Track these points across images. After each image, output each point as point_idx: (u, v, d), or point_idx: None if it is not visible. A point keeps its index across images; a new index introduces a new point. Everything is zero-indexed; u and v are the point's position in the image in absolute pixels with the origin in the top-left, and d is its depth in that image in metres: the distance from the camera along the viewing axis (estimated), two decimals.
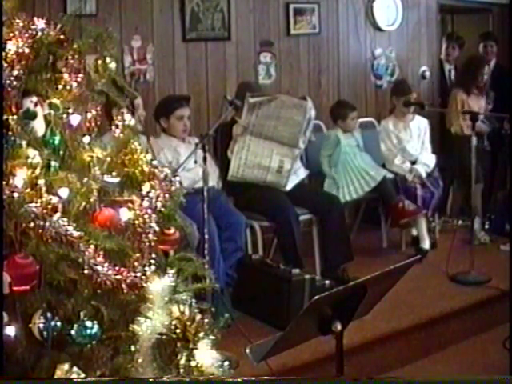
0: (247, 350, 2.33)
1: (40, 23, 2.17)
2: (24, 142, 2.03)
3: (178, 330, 2.10)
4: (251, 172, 4.68)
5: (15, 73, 2.07)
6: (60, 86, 2.17)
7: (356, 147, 5.37)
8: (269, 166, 4.68)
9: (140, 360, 2.04)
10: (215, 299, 3.99)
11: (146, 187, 2.24)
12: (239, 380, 2.13)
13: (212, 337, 2.14)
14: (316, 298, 2.12)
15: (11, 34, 2.11)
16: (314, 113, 4.78)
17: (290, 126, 4.69)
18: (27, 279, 1.94)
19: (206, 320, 2.16)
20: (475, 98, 5.78)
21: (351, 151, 5.30)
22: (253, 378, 2.50)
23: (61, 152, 2.14)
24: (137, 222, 2.15)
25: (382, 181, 5.21)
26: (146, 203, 2.18)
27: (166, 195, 2.25)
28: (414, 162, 5.50)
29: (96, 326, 2.00)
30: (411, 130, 5.56)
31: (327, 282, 4.21)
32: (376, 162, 5.46)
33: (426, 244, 5.36)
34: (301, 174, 5.01)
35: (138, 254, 2.12)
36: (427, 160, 5.54)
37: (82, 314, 2.00)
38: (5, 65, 2.07)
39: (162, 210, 2.23)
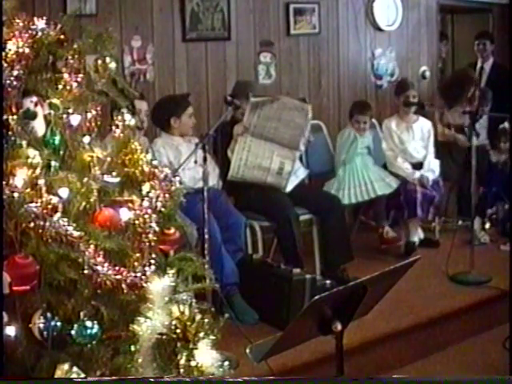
0: (247, 350, 2.33)
1: (40, 23, 2.17)
2: (24, 142, 2.04)
3: (178, 330, 2.10)
4: (251, 173, 4.68)
5: (15, 73, 2.07)
6: (60, 86, 2.18)
7: (366, 149, 5.38)
8: (269, 167, 4.68)
9: (140, 360, 2.04)
10: (232, 302, 4.05)
11: (146, 187, 2.24)
12: (239, 380, 2.12)
13: (212, 337, 2.14)
14: (316, 298, 2.12)
15: (11, 34, 2.11)
16: (311, 114, 4.81)
17: (291, 129, 4.70)
18: (27, 279, 1.94)
19: (206, 320, 2.15)
20: (456, 113, 5.84)
21: (361, 152, 5.32)
22: (253, 378, 2.50)
23: (61, 152, 2.14)
24: (137, 222, 2.15)
25: (377, 198, 5.25)
26: (145, 203, 2.18)
27: (166, 195, 2.25)
28: (415, 165, 5.50)
29: (96, 326, 2.00)
30: (414, 132, 5.56)
31: (328, 281, 4.21)
32: (376, 162, 5.47)
33: (414, 238, 5.38)
34: (300, 174, 5.01)
35: (137, 254, 2.12)
36: (433, 166, 5.55)
37: (81, 314, 2.00)
38: (5, 65, 2.07)
39: (162, 210, 2.24)
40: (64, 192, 2.03)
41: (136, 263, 2.10)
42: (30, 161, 2.00)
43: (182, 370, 2.09)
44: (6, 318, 1.92)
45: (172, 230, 2.29)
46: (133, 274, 2.05)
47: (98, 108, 2.27)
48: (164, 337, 2.09)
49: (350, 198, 5.21)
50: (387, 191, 5.27)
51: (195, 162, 3.98)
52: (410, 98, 5.52)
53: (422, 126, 5.63)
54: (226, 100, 4.27)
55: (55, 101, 2.15)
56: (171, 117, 4.53)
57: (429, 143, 5.62)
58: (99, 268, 1.99)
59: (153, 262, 2.15)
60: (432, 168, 5.52)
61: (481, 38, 6.90)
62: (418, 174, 5.41)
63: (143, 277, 2.07)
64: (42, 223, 1.94)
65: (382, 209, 5.35)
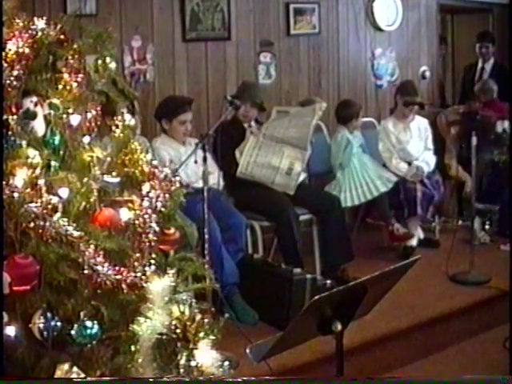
0: (247, 350, 2.33)
1: (40, 23, 2.17)
2: (24, 142, 2.04)
3: (178, 330, 2.10)
4: (260, 171, 4.71)
5: (15, 73, 2.07)
6: (60, 86, 2.17)
7: (360, 147, 5.39)
8: (279, 166, 4.71)
9: (140, 360, 2.04)
10: (233, 302, 4.05)
11: (146, 187, 2.24)
12: (239, 380, 2.13)
13: (212, 337, 2.14)
14: (316, 297, 2.12)
15: (11, 34, 2.11)
16: (321, 113, 4.83)
17: (299, 127, 4.75)
18: (27, 279, 1.94)
19: (205, 320, 2.15)
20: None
21: (357, 152, 5.32)
22: (253, 378, 2.50)
23: (61, 152, 2.14)
24: (137, 222, 2.15)
25: (380, 196, 5.25)
26: (145, 203, 2.18)
27: (166, 195, 2.25)
28: (412, 163, 5.50)
29: (96, 326, 2.00)
30: (411, 131, 5.56)
31: (328, 281, 4.21)
32: (377, 159, 5.47)
33: (413, 241, 5.38)
34: (300, 176, 5.01)
35: (137, 254, 2.12)
36: (428, 159, 5.55)
37: (82, 313, 2.00)
38: (5, 65, 2.07)
39: (162, 210, 2.24)
40: (64, 192, 2.03)
41: (136, 263, 2.10)
42: (29, 161, 2.00)
43: (182, 370, 2.09)
44: (6, 317, 1.92)
45: (172, 230, 2.29)
46: (133, 274, 2.05)
47: (98, 108, 2.26)
48: (164, 337, 2.09)
49: (352, 201, 5.21)
50: (388, 187, 5.27)
51: (195, 162, 3.98)
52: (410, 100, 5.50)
53: (419, 124, 5.63)
54: (227, 99, 4.27)
55: (55, 101, 2.15)
56: (162, 118, 4.55)
57: (427, 141, 5.62)
58: (99, 268, 1.99)
59: (153, 262, 2.15)
60: (427, 160, 5.52)
61: (483, 40, 6.89)
62: (414, 168, 5.41)
63: (143, 277, 2.07)
64: (42, 223, 1.94)
65: (387, 206, 5.35)
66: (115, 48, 2.34)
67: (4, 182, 1.95)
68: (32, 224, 1.94)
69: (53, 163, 2.07)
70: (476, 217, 5.51)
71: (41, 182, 1.98)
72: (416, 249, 5.32)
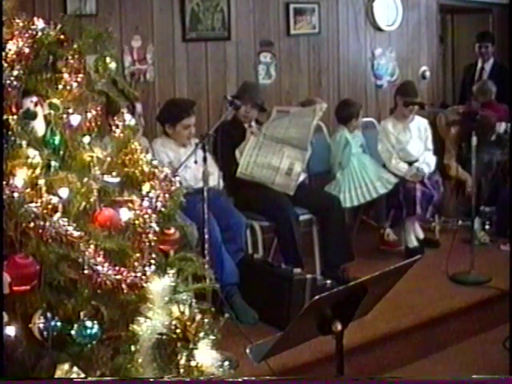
0: (247, 350, 2.33)
1: (40, 23, 2.17)
2: (24, 142, 2.03)
3: (178, 330, 2.10)
4: (260, 171, 4.71)
5: (15, 73, 2.07)
6: (60, 86, 2.17)
7: (360, 147, 5.39)
8: (278, 166, 4.72)
9: (140, 360, 2.04)
10: (233, 302, 4.05)
11: (146, 187, 2.24)
12: (239, 380, 2.13)
13: (212, 337, 2.14)
14: (316, 297, 2.12)
15: (11, 34, 2.11)
16: (321, 114, 4.83)
17: (300, 127, 4.75)
18: (27, 279, 1.94)
19: (206, 320, 2.15)
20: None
21: (357, 152, 5.32)
22: (253, 378, 2.50)
23: (61, 152, 2.14)
24: (137, 222, 2.15)
25: (378, 197, 5.26)
26: (145, 203, 2.18)
27: (166, 195, 2.25)
28: (412, 163, 5.50)
29: (96, 326, 2.00)
30: (411, 131, 5.55)
31: (328, 281, 4.21)
32: (377, 159, 5.47)
33: (412, 243, 5.37)
34: (300, 176, 5.01)
35: (138, 254, 2.12)
36: (429, 160, 5.54)
37: (82, 314, 2.00)
38: (5, 65, 2.07)
39: (162, 210, 2.23)
40: (64, 192, 2.03)
41: (136, 263, 2.10)
42: (30, 161, 2.00)
43: (182, 370, 2.09)
44: (6, 318, 1.92)
45: (172, 230, 2.29)
46: (133, 274, 2.05)
47: (98, 108, 2.26)
48: (164, 337, 2.09)
49: (351, 201, 5.21)
50: (387, 189, 5.27)
51: (195, 162, 3.99)
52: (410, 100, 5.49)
53: (419, 124, 5.62)
54: (227, 99, 4.27)
55: (55, 101, 2.15)
56: (166, 123, 4.54)
57: (427, 141, 5.62)
58: (99, 268, 1.99)
59: (153, 261, 2.14)
60: (427, 161, 5.51)
61: (483, 40, 6.89)
62: (414, 169, 5.41)
63: (143, 277, 2.07)
64: (42, 223, 1.94)
65: (383, 208, 5.36)
66: (115, 48, 2.34)
67: (4, 182, 1.94)
68: (32, 224, 1.94)
69: (53, 163, 2.07)
70: (476, 217, 5.51)
71: (41, 182, 1.98)
72: (418, 250, 5.30)
